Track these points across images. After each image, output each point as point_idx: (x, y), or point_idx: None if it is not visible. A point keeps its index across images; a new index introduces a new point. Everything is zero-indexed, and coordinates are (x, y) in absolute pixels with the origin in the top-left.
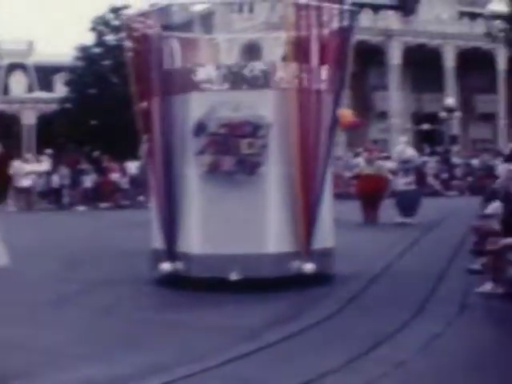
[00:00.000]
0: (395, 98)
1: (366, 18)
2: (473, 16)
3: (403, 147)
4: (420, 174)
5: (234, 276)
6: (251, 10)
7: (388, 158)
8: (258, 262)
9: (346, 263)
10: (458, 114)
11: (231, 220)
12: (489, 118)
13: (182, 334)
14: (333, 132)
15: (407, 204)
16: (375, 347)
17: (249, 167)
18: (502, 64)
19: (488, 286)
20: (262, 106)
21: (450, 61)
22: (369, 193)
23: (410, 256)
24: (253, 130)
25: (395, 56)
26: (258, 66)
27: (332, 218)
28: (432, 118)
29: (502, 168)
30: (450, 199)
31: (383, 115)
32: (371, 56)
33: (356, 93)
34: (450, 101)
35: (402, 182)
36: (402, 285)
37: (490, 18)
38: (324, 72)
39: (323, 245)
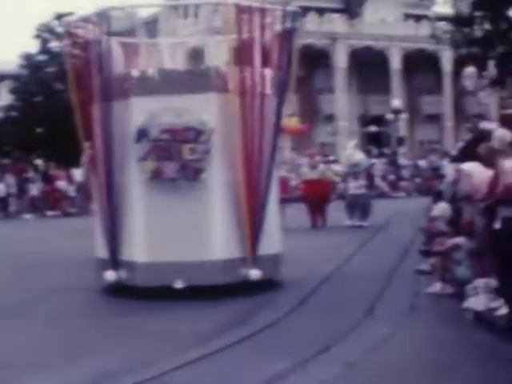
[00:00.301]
0: (341, 101)
1: (311, 22)
2: (418, 18)
3: (352, 151)
4: (368, 175)
5: (178, 284)
6: (196, 15)
7: (335, 161)
8: (204, 269)
9: (295, 267)
10: (404, 116)
11: (175, 227)
12: (435, 119)
13: (131, 341)
14: (277, 136)
15: (359, 208)
16: (325, 349)
17: (191, 173)
18: (447, 65)
19: (437, 287)
20: (205, 110)
21: (395, 63)
22: (314, 197)
23: (359, 258)
24: (195, 135)
25: (341, 59)
26: (200, 71)
27: (279, 224)
28: (379, 120)
29: (448, 169)
30: (397, 200)
31: (330, 118)
32: (317, 59)
33: (302, 96)
34: (397, 102)
35: (353, 186)
36: (352, 287)
37: (435, 19)
38: (268, 75)
39: (270, 251)
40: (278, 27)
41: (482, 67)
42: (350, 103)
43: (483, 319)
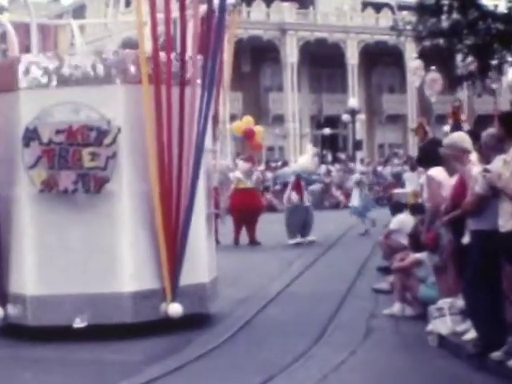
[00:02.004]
0: (292, 100)
1: (257, 11)
2: (377, 7)
3: (310, 158)
4: (323, 184)
5: (78, 323)
6: (128, 5)
7: (285, 164)
8: (110, 304)
9: (234, 289)
10: (362, 117)
11: (73, 252)
12: (397, 120)
13: (56, 371)
14: (204, 136)
15: (299, 222)
16: (268, 380)
17: (93, 184)
18: (410, 60)
19: (396, 308)
20: (109, 106)
21: (352, 57)
22: (246, 209)
23: (307, 277)
24: (97, 136)
25: (291, 53)
26: (103, 58)
27: (210, 244)
28: (334, 121)
29: (408, 177)
30: None
31: (279, 119)
32: (264, 53)
33: (247, 94)
34: (354, 102)
35: (294, 196)
36: (300, 309)
37: (397, 9)
38: (191, 63)
39: (197, 279)
40: (203, 10)
41: (447, 61)
42: (301, 102)
43: (448, 344)
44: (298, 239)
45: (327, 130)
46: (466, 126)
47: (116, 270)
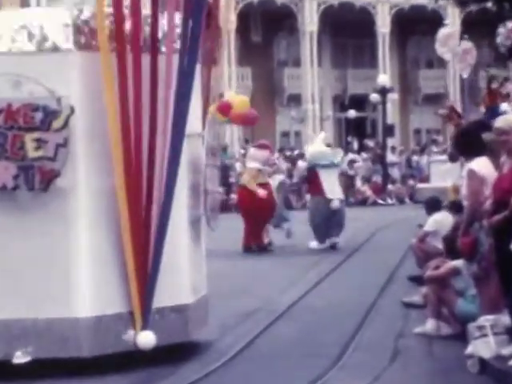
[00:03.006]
0: (311, 77)
1: None
2: None
3: (320, 146)
4: (346, 177)
5: (19, 358)
6: None
7: (302, 156)
8: (62, 333)
9: (239, 301)
10: (394, 97)
11: (14, 266)
12: (437, 100)
13: None
14: (184, 118)
15: (327, 222)
16: None
17: (39, 179)
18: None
19: (429, 325)
20: (60, 79)
21: (383, 25)
22: (254, 208)
23: (325, 288)
24: (44, 118)
25: (310, 20)
26: (52, 17)
27: (196, 255)
28: (360, 102)
29: (448, 168)
30: (385, 209)
31: (295, 99)
32: (278, 20)
33: (258, 69)
34: (384, 78)
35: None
36: (315, 326)
37: None
38: (166, 23)
39: (175, 300)
40: None
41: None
42: (322, 79)
43: (492, 370)
44: (324, 244)
45: (352, 113)
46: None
47: (69, 290)
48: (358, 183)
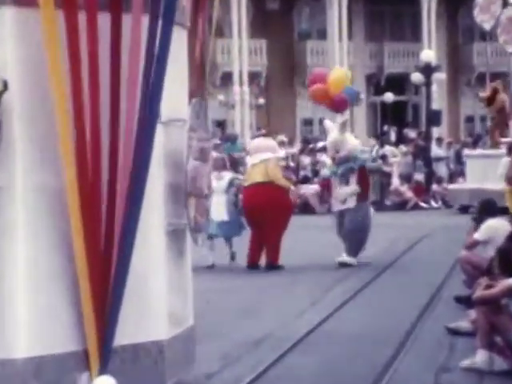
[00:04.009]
0: (339, 52)
1: None
2: None
3: (339, 135)
4: (381, 174)
5: None
6: None
7: (324, 149)
8: None
9: (244, 327)
10: (442, 76)
11: None
12: (493, 81)
13: None
14: (157, 97)
15: (344, 233)
16: None
17: None
18: None
19: (479, 357)
20: None
21: None
22: (257, 216)
23: (351, 311)
24: None
25: None
26: None
27: (176, 277)
28: (400, 82)
29: (504, 163)
30: (428, 215)
31: None
32: None
33: (275, 42)
34: (430, 55)
35: (339, 197)
36: (338, 358)
37: None
38: None
39: (145, 335)
40: None
41: None
42: (352, 55)
43: None
44: (354, 259)
45: (390, 96)
46: None
47: (3, 322)
48: (396, 182)
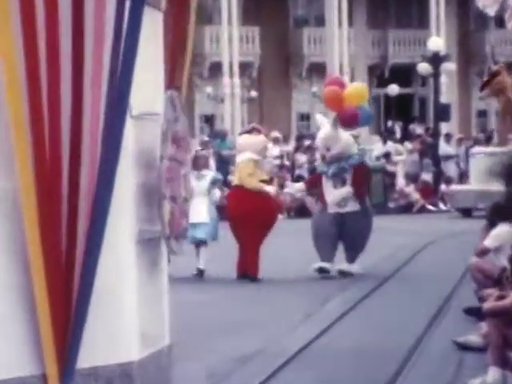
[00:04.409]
0: (339, 40)
1: None
2: None
3: (331, 131)
4: (384, 174)
5: None
6: None
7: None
8: None
9: (235, 341)
10: (451, 67)
11: None
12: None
13: None
14: (127, 88)
15: (346, 239)
16: None
17: None
18: None
19: (491, 375)
20: None
21: None
22: (243, 218)
23: (350, 324)
24: None
25: None
26: None
27: (149, 290)
28: (405, 73)
29: None
30: (436, 218)
31: (318, 70)
32: None
33: (269, 29)
34: (438, 42)
35: (334, 198)
36: (335, 375)
37: None
38: None
39: (112, 357)
40: None
41: None
42: (354, 44)
43: None
44: (325, 263)
45: (394, 88)
46: None
47: None
48: (401, 183)
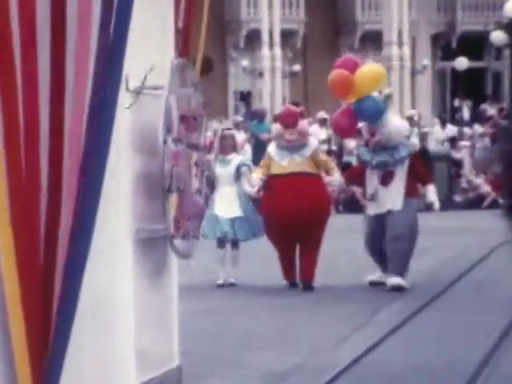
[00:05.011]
0: (398, 4)
1: None
2: None
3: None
4: (449, 162)
5: None
6: None
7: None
8: None
9: (272, 356)
10: None
11: None
12: None
13: None
14: (119, 72)
15: (396, 244)
16: None
17: None
18: None
19: None
20: None
21: None
22: (289, 219)
23: (404, 339)
24: None
25: None
26: None
27: (160, 297)
28: (475, 44)
29: None
30: None
31: (373, 39)
32: None
33: None
34: None
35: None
36: None
37: None
38: None
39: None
40: None
41: None
42: (415, 9)
43: None
44: (375, 276)
45: (463, 62)
46: None
47: None
48: (468, 173)
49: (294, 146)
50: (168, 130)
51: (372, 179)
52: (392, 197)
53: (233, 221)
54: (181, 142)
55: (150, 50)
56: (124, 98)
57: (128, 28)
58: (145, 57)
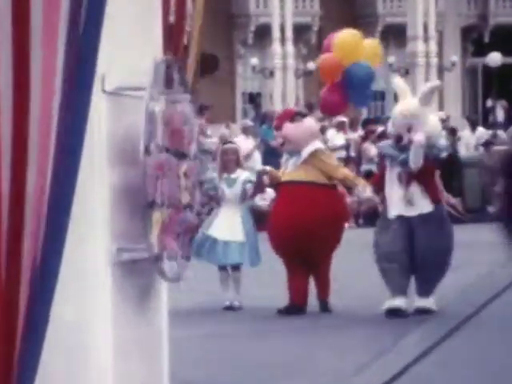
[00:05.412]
0: None
1: None
2: None
3: (418, 107)
4: (481, 168)
5: None
6: None
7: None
8: None
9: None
10: None
11: None
12: None
13: None
14: (91, 70)
15: (419, 261)
16: None
17: None
18: None
19: None
20: None
21: None
22: (297, 234)
23: (432, 368)
24: None
25: None
26: None
27: (146, 327)
28: (510, 37)
29: None
30: None
31: (395, 32)
32: None
33: None
34: None
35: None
36: None
37: None
38: None
39: None
40: None
41: None
42: (443, 0)
43: None
44: (397, 301)
45: (497, 57)
46: None
47: None
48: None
49: (290, 151)
50: (151, 136)
51: (392, 179)
52: (417, 199)
53: (233, 245)
54: (166, 149)
55: (133, 47)
56: (99, 100)
57: (101, 23)
58: (126, 55)
